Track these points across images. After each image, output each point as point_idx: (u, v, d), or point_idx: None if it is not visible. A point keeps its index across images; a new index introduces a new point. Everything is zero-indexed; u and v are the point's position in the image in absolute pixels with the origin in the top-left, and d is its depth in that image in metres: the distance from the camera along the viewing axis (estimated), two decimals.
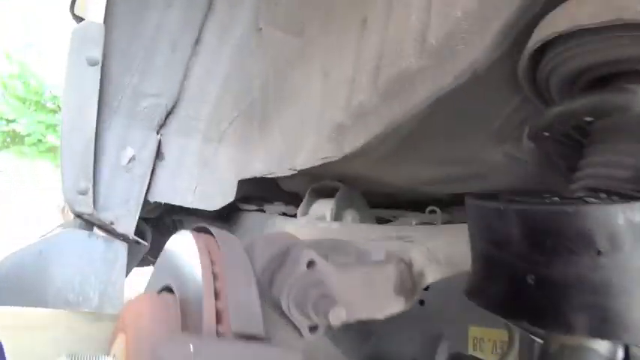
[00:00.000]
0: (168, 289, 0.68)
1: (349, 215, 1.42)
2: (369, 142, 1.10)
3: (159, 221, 1.97)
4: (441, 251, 0.83)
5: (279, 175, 1.47)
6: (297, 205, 1.71)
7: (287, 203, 1.81)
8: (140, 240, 1.55)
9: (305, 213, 1.48)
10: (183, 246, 0.68)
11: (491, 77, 0.85)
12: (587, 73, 0.69)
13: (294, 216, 1.67)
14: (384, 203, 1.60)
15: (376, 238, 1.00)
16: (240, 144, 1.59)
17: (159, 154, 1.58)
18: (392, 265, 0.72)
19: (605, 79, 0.68)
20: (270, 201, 1.86)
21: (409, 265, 0.74)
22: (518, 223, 0.57)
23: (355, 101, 1.11)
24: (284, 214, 1.81)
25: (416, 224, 1.35)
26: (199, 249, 0.65)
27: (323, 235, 1.13)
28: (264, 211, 1.88)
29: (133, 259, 1.62)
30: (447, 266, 0.82)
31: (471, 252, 0.68)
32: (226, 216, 1.93)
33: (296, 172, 1.38)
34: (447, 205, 1.46)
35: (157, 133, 1.57)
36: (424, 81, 0.91)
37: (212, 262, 0.64)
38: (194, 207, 1.59)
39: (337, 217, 1.41)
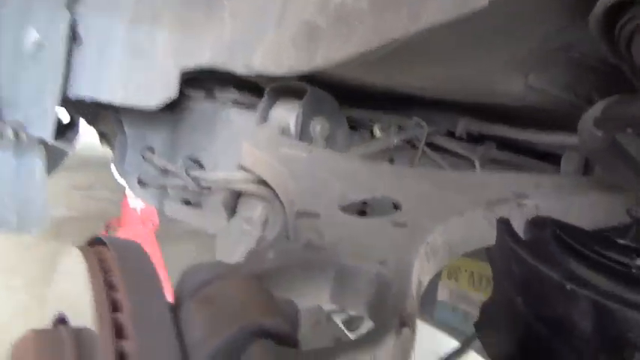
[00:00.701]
0: (63, 320, 0.49)
1: (318, 125, 1.19)
2: (353, 56, 0.84)
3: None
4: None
5: (233, 70, 1.19)
6: (254, 94, 1.45)
7: (241, 89, 1.54)
8: (61, 145, 1.28)
9: (264, 118, 1.23)
10: (72, 267, 0.47)
11: None
12: None
13: (250, 107, 1.42)
14: (356, 100, 1.36)
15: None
16: (180, 26, 1.26)
17: (75, 38, 1.23)
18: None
19: None
20: (222, 84, 1.58)
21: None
22: (593, 316, 0.38)
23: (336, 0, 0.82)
24: (237, 102, 1.54)
25: (397, 143, 1.14)
26: (90, 270, 0.44)
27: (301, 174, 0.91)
28: (215, 97, 1.60)
29: (57, 161, 1.36)
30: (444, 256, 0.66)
31: (495, 297, 0.50)
32: (169, 105, 1.65)
33: (253, 73, 1.11)
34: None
35: (69, 11, 1.20)
36: None
37: (109, 286, 0.44)
38: (127, 104, 1.31)
39: (304, 126, 1.18)
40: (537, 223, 0.52)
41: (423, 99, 1.24)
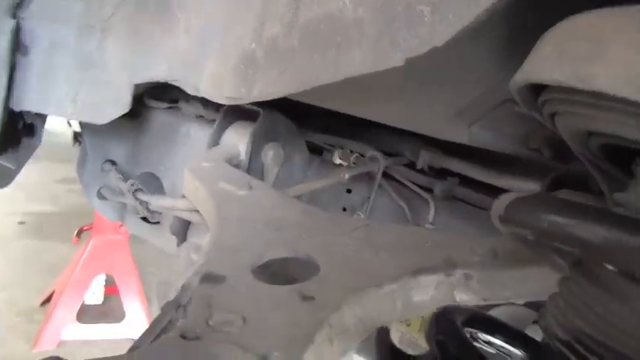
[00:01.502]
0: None
1: (270, 151, 1.12)
2: (287, 93, 0.77)
3: None
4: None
5: (184, 88, 1.13)
6: (219, 109, 1.39)
7: (205, 104, 1.47)
8: (6, 163, 1.22)
9: (215, 141, 1.17)
10: None
11: (466, 47, 0.52)
12: None
13: (213, 123, 1.36)
14: (319, 125, 1.29)
15: None
16: (133, 37, 1.19)
17: (20, 47, 1.16)
18: None
19: None
20: (188, 96, 1.51)
21: None
22: None
23: (268, 32, 0.75)
24: (202, 117, 1.48)
25: (349, 177, 1.07)
26: None
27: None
28: (179, 109, 1.54)
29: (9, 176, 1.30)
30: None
31: None
32: (132, 111, 1.58)
33: (200, 95, 1.04)
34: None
35: (13, 17, 1.13)
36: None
37: None
38: (77, 120, 1.24)
39: (255, 151, 1.12)
40: (440, 327, 0.45)
41: (388, 127, 1.17)
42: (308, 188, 1.03)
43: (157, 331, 0.56)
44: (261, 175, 1.12)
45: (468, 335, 0.52)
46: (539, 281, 0.66)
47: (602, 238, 0.32)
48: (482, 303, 0.67)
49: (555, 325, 0.41)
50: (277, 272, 0.71)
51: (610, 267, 0.36)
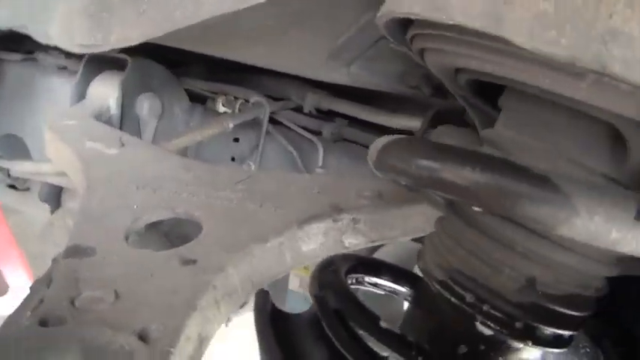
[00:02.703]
0: None
1: (145, 102, 1.03)
2: (146, 38, 0.69)
3: None
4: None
5: (34, 37, 0.98)
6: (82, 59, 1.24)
7: (68, 54, 1.30)
8: None
9: (81, 96, 1.04)
10: None
11: None
12: None
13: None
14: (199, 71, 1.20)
15: None
16: None
17: None
18: None
19: None
20: (44, 48, 1.32)
21: None
22: None
23: None
24: (65, 68, 1.31)
25: (235, 125, 1.01)
26: None
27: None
28: (36, 60, 1.35)
29: None
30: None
31: None
32: None
33: (53, 44, 0.91)
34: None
35: None
36: None
37: None
38: None
39: (127, 104, 1.01)
40: (322, 284, 0.44)
41: (273, 71, 1.12)
42: (190, 140, 0.96)
43: (25, 314, 0.49)
44: (138, 131, 1.03)
45: (353, 281, 0.52)
46: (424, 217, 0.67)
47: (469, 183, 0.32)
48: (370, 245, 0.68)
49: (432, 265, 0.42)
50: (154, 237, 0.66)
51: (477, 209, 0.36)
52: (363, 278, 0.53)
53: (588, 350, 0.51)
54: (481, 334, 0.39)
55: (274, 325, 0.41)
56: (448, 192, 0.34)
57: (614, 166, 0.34)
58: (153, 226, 0.67)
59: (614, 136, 0.33)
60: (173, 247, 0.60)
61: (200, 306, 0.51)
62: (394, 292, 0.56)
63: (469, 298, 0.38)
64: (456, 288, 0.39)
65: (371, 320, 0.38)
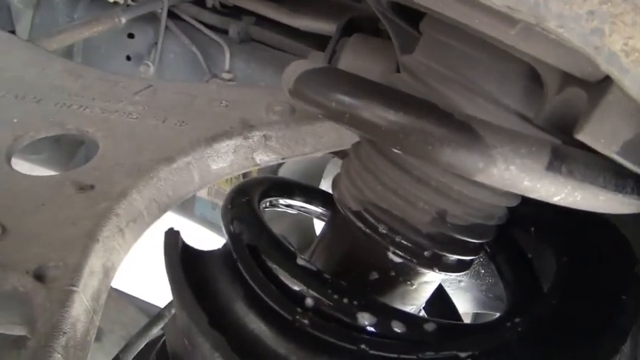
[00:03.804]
0: None
1: None
2: None
3: None
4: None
5: None
6: None
7: None
8: None
9: None
10: None
11: None
12: None
13: None
14: None
15: None
16: None
17: None
18: None
19: None
20: None
21: None
22: None
23: None
24: None
25: (128, 19, 0.89)
26: None
27: None
28: None
29: None
30: None
31: None
32: None
33: None
34: None
35: None
36: None
37: None
38: None
39: None
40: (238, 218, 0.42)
41: None
42: (75, 37, 0.84)
43: None
44: (10, 24, 0.88)
45: (267, 204, 0.51)
46: (336, 134, 0.66)
47: (392, 125, 0.30)
48: (282, 161, 0.67)
49: (347, 195, 0.42)
50: (51, 151, 0.59)
51: (396, 151, 0.35)
52: (277, 201, 0.52)
53: (483, 261, 0.55)
54: (392, 262, 0.40)
55: (186, 266, 0.39)
56: (368, 132, 0.33)
57: (530, 107, 0.34)
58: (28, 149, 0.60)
59: (533, 77, 0.33)
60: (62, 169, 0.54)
61: (102, 237, 0.48)
62: (308, 212, 0.57)
63: (382, 229, 0.39)
64: (370, 219, 0.40)
65: (287, 257, 0.38)
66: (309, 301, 0.36)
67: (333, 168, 1.04)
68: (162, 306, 0.74)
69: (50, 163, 1.06)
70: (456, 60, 0.37)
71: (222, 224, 0.43)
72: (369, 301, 0.36)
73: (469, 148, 0.28)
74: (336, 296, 0.35)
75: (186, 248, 0.43)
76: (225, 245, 0.42)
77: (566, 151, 0.29)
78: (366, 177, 0.40)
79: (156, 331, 0.66)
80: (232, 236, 0.40)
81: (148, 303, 1.04)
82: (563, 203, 0.30)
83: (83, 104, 0.63)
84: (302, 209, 0.56)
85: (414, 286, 0.42)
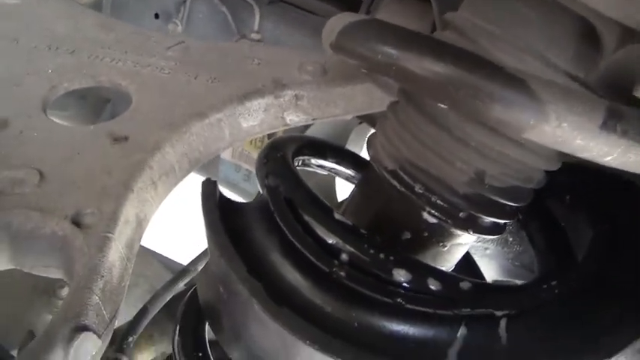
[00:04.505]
0: None
1: None
2: None
3: None
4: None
5: None
6: None
7: None
8: None
9: None
10: None
11: None
12: None
13: None
14: None
15: None
16: None
17: None
18: None
19: None
20: None
21: None
22: None
23: None
24: None
25: None
26: None
27: None
28: None
29: None
30: None
31: None
32: None
33: None
34: None
35: None
36: None
37: None
38: None
39: None
40: (273, 171, 0.42)
41: None
42: None
43: None
44: None
45: (299, 163, 0.51)
46: (368, 97, 0.65)
47: (441, 78, 0.30)
48: (312, 122, 0.66)
49: (383, 154, 0.41)
50: (78, 108, 0.59)
51: (442, 105, 0.34)
52: (309, 160, 0.52)
53: (512, 229, 0.55)
54: (426, 222, 0.40)
55: (223, 215, 0.40)
56: (415, 85, 0.32)
57: (580, 67, 0.33)
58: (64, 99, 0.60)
59: (587, 35, 0.32)
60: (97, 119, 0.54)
61: (137, 187, 0.48)
62: (337, 174, 0.57)
63: (418, 188, 0.39)
64: (406, 178, 0.39)
65: (324, 211, 0.38)
66: (344, 256, 0.36)
67: (358, 135, 1.03)
68: (183, 263, 0.75)
69: (76, 120, 1.07)
70: (503, 16, 0.36)
71: (256, 177, 0.43)
72: (405, 257, 0.36)
73: (522, 104, 0.28)
74: (372, 251, 0.35)
75: (223, 199, 0.43)
76: (260, 198, 0.42)
77: (622, 111, 0.28)
78: (403, 135, 0.39)
79: (182, 285, 0.68)
80: (269, 189, 0.40)
81: (170, 259, 1.06)
82: (613, 164, 0.29)
83: (116, 57, 0.63)
84: (333, 170, 0.56)
85: (446, 248, 0.42)
